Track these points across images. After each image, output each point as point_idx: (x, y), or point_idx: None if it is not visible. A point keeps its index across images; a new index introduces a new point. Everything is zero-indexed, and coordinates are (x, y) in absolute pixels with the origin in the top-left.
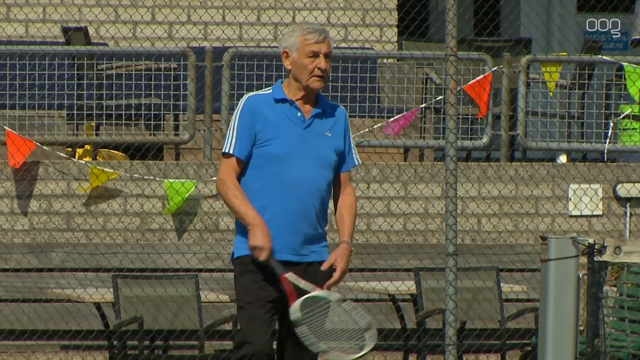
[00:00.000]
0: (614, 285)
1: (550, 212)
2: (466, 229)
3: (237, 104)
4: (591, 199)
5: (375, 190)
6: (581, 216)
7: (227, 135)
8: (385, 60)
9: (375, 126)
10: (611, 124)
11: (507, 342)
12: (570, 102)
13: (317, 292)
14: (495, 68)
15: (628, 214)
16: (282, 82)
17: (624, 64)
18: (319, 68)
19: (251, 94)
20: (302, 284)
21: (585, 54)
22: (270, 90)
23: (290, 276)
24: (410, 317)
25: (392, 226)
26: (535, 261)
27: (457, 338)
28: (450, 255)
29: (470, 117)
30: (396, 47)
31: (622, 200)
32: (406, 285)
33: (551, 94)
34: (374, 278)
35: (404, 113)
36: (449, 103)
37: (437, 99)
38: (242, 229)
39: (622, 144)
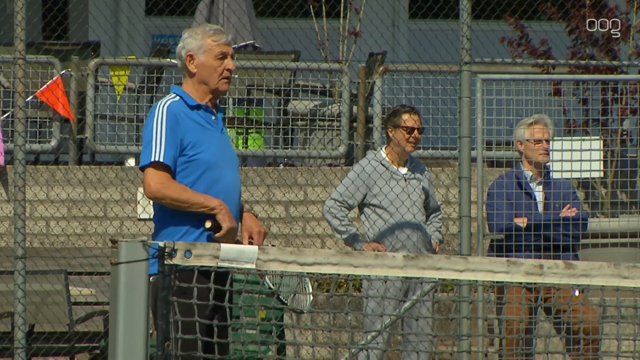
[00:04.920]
0: None
1: (119, 215)
2: (35, 232)
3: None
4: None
5: None
6: (150, 219)
7: (153, 144)
8: None
9: None
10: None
11: (76, 345)
12: (139, 106)
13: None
14: (64, 71)
15: None
16: (181, 87)
17: None
18: (227, 69)
19: (166, 101)
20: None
21: (154, 57)
22: (176, 97)
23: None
24: None
25: None
26: (104, 264)
27: (25, 341)
28: (19, 259)
29: (39, 120)
30: None
31: None
32: None
33: (119, 97)
34: None
35: None
36: (18, 106)
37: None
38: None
39: (245, 148)
